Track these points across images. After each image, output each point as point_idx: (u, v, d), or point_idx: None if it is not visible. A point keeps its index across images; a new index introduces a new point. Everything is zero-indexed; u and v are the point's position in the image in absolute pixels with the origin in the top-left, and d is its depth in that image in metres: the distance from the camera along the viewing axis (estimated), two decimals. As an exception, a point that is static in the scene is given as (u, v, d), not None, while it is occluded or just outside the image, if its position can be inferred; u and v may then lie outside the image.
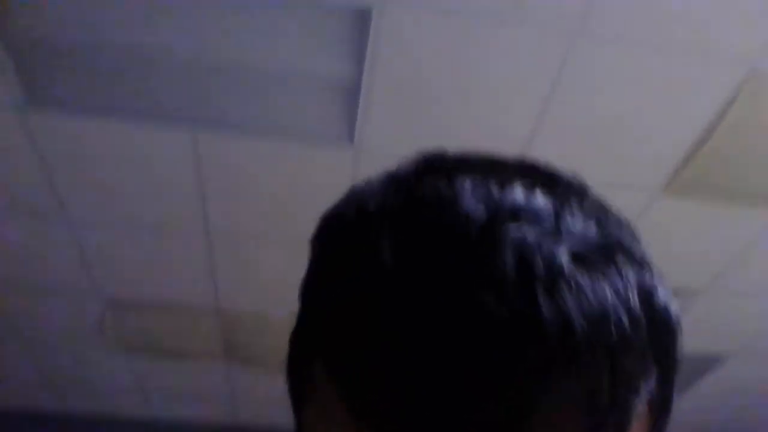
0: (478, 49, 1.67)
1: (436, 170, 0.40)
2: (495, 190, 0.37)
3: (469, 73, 1.74)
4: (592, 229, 0.37)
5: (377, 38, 1.64)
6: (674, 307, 0.38)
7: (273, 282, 2.51)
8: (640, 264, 0.38)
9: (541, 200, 0.37)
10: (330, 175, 2.04)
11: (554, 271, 0.34)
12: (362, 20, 1.62)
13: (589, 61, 1.70)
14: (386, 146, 1.95)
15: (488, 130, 1.90)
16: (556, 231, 0.36)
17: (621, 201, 2.14)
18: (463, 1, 1.56)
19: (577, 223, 0.37)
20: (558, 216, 0.36)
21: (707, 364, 3.02)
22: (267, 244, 2.32)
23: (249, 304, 2.66)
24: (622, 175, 2.05)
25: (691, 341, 2.85)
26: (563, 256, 0.34)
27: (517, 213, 0.36)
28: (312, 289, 0.41)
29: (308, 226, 2.20)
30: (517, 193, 0.37)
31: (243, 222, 2.24)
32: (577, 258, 0.35)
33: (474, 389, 0.32)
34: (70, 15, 1.63)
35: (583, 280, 0.34)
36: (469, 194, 0.37)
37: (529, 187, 0.38)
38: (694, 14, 1.59)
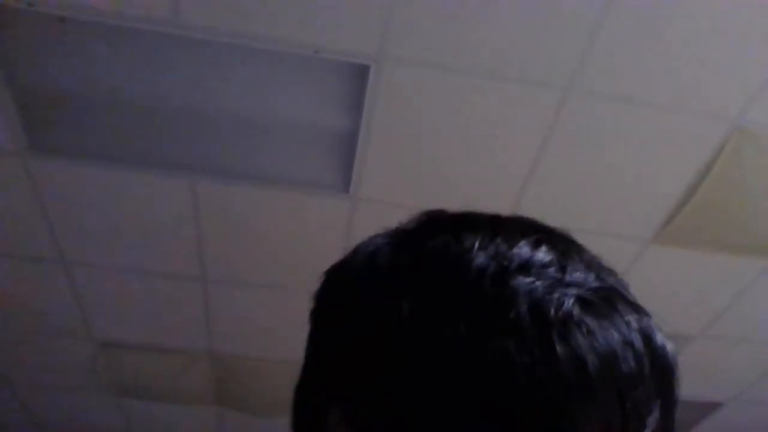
0: (472, 103, 1.72)
1: (441, 228, 0.43)
2: (503, 246, 0.40)
3: (464, 126, 1.78)
4: (592, 278, 0.40)
5: (374, 92, 1.69)
6: (671, 347, 0.42)
7: (266, 328, 2.51)
8: (637, 309, 0.41)
9: (545, 254, 0.40)
10: (326, 224, 2.06)
11: (565, 317, 0.37)
12: (360, 74, 1.67)
13: (580, 115, 1.75)
14: (381, 196, 1.97)
15: (481, 182, 1.93)
16: (562, 281, 0.39)
17: (613, 249, 2.16)
18: (456, 58, 1.61)
19: (579, 273, 0.40)
20: (562, 267, 0.40)
21: (702, 410, 3.01)
22: (261, 290, 2.33)
23: (242, 349, 2.65)
24: (613, 225, 2.08)
25: (684, 387, 2.84)
26: (572, 303, 0.38)
27: (525, 266, 0.39)
28: (322, 341, 0.42)
29: (303, 273, 2.22)
30: (524, 249, 0.40)
31: (238, 268, 2.25)
32: (584, 304, 0.38)
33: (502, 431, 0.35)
34: (72, 65, 1.67)
35: (592, 323, 0.38)
36: (478, 250, 0.39)
37: (534, 243, 0.41)
38: (680, 73, 1.64)
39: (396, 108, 1.73)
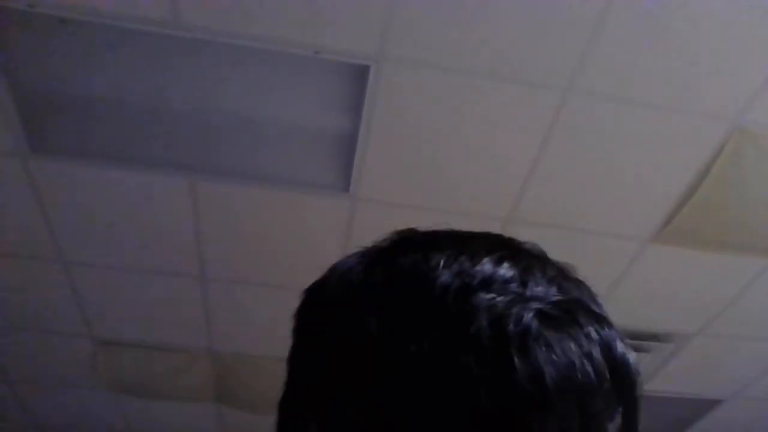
0: (472, 103, 1.72)
1: (411, 246, 0.45)
2: (466, 264, 0.42)
3: (464, 126, 1.78)
4: (553, 292, 0.42)
5: (374, 92, 1.69)
6: (632, 355, 0.43)
7: (265, 326, 2.51)
8: (599, 320, 0.43)
9: (507, 270, 0.42)
10: (325, 223, 2.07)
11: (524, 331, 0.39)
12: (360, 75, 1.67)
13: (580, 115, 1.75)
14: (381, 196, 1.98)
15: (481, 182, 1.93)
16: (523, 295, 0.41)
17: (613, 249, 2.17)
18: (457, 58, 1.61)
19: (540, 288, 0.42)
20: (523, 283, 0.42)
21: (702, 407, 3.02)
22: (261, 289, 2.34)
23: (241, 348, 2.66)
24: (613, 225, 2.08)
25: (684, 385, 2.86)
26: (531, 318, 0.39)
27: (487, 282, 0.41)
28: (301, 358, 0.44)
29: (303, 272, 2.22)
30: (486, 266, 0.42)
31: (238, 267, 2.25)
32: (543, 318, 0.40)
33: None
34: (72, 66, 1.67)
35: (551, 336, 0.39)
36: (443, 268, 0.41)
37: (496, 260, 0.42)
38: (680, 73, 1.64)
39: (396, 108, 1.73)
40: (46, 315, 2.50)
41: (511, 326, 0.38)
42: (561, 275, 0.45)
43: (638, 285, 2.30)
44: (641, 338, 2.54)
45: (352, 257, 0.47)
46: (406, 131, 1.79)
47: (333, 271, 0.47)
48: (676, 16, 1.52)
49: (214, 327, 2.55)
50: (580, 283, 0.46)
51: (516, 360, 0.37)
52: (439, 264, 0.41)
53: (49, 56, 1.64)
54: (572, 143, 1.82)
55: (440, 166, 1.88)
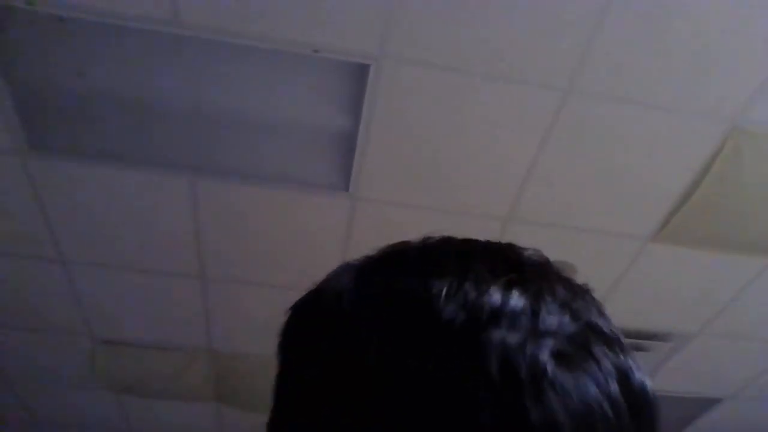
0: (472, 103, 1.72)
1: (407, 267, 0.41)
2: (472, 293, 0.38)
3: (464, 126, 1.78)
4: (566, 321, 0.39)
5: (374, 91, 1.69)
6: (649, 383, 0.41)
7: (265, 325, 2.51)
8: (612, 345, 0.40)
9: (517, 299, 0.39)
10: (325, 222, 2.07)
11: (538, 374, 0.36)
12: (360, 74, 1.67)
13: (580, 115, 1.75)
14: (381, 195, 1.98)
15: (481, 182, 1.93)
16: (536, 330, 0.38)
17: (613, 248, 2.17)
18: (457, 57, 1.61)
19: (553, 318, 0.39)
20: (535, 313, 0.38)
21: (702, 406, 3.02)
22: (261, 288, 2.33)
23: (241, 347, 2.65)
24: (613, 224, 2.08)
25: (683, 384, 2.86)
26: (545, 358, 0.36)
27: (496, 316, 0.37)
28: (293, 370, 0.42)
29: (302, 271, 2.22)
30: (494, 296, 0.38)
31: (238, 266, 2.25)
32: (558, 357, 0.37)
33: None
34: (71, 64, 1.67)
35: (566, 379, 0.36)
36: (446, 299, 0.38)
37: (504, 286, 0.39)
38: (679, 73, 1.64)
39: (396, 107, 1.72)
40: (45, 314, 2.49)
41: (524, 369, 0.36)
42: (570, 294, 0.42)
43: (638, 284, 2.30)
44: (641, 337, 2.54)
45: (342, 276, 0.44)
46: (405, 130, 1.79)
47: (322, 291, 0.44)
48: (675, 16, 1.52)
49: (213, 326, 2.55)
50: (585, 295, 0.43)
51: (531, 411, 0.35)
52: (441, 293, 0.38)
53: (48, 54, 1.64)
54: (572, 143, 1.82)
55: (440, 166, 1.88)
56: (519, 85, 1.67)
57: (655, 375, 2.74)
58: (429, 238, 0.46)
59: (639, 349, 2.58)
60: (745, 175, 1.88)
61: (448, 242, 0.45)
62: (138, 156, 1.88)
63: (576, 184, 1.94)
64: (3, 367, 2.84)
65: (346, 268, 0.44)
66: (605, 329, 0.41)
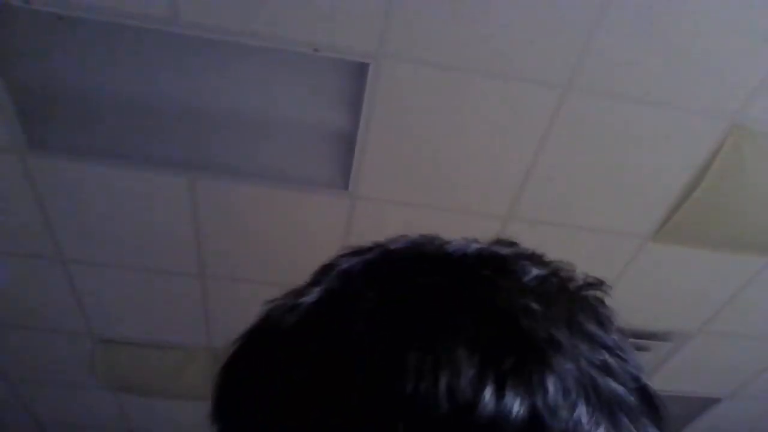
0: (471, 101, 1.72)
1: (372, 319, 0.38)
2: (465, 390, 0.34)
3: (464, 125, 1.78)
4: (583, 412, 0.36)
5: (374, 90, 1.68)
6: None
7: (266, 324, 2.51)
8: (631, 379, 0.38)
9: (511, 405, 0.34)
10: (324, 221, 2.06)
11: None
12: (360, 72, 1.67)
13: (579, 113, 1.74)
14: (380, 194, 1.97)
15: (481, 181, 1.93)
16: None
17: (613, 247, 2.17)
18: (456, 56, 1.60)
19: (563, 413, 0.35)
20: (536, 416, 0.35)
21: (701, 405, 3.02)
22: (260, 286, 2.33)
23: (242, 346, 2.65)
24: (613, 222, 2.08)
25: (682, 383, 2.86)
26: None
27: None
28: (278, 378, 0.40)
29: (302, 270, 2.22)
30: (486, 392, 0.34)
31: (237, 265, 2.25)
32: None
33: None
34: (70, 62, 1.66)
35: None
36: (416, 382, 0.35)
37: (497, 385, 0.35)
38: (679, 71, 1.64)
39: (395, 106, 1.72)
40: (45, 313, 2.49)
41: None
42: (579, 336, 0.39)
43: (637, 283, 2.30)
44: (640, 336, 2.54)
45: (290, 318, 0.41)
46: (405, 129, 1.79)
47: (267, 331, 0.42)
48: (675, 14, 1.52)
49: (213, 325, 2.55)
50: (592, 334, 0.40)
51: None
52: (410, 371, 0.34)
53: (47, 53, 1.63)
54: (572, 141, 1.82)
55: (439, 164, 1.88)
56: (518, 83, 1.67)
57: (655, 374, 2.74)
58: (394, 251, 0.43)
59: (639, 348, 2.58)
60: (745, 173, 1.88)
61: (423, 281, 0.40)
62: (137, 155, 1.88)
63: (576, 183, 1.94)
64: (3, 366, 2.84)
65: (297, 307, 0.42)
66: (620, 375, 0.39)
